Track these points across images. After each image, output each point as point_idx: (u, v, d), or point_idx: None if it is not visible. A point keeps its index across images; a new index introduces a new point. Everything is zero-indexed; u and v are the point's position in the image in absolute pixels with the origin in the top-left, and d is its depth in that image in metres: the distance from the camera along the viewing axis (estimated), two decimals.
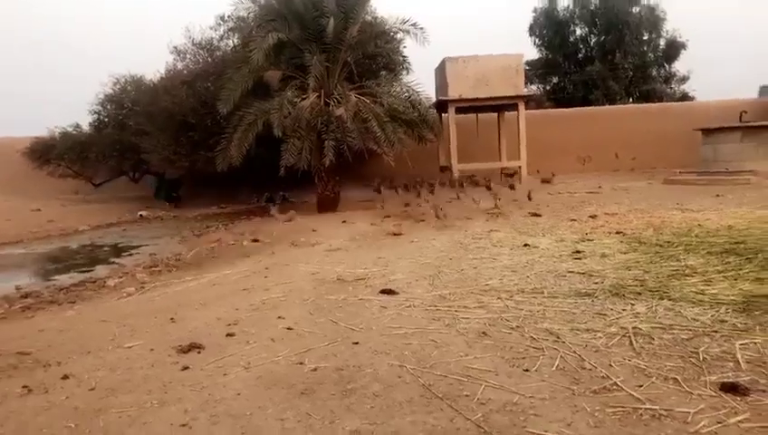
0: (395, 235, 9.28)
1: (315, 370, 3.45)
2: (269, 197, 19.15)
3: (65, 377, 3.54)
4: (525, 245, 7.42)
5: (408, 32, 15.65)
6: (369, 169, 18.31)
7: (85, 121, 22.43)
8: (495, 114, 20.19)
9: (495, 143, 20.16)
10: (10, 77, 53.37)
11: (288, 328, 4.35)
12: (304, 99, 13.76)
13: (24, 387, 3.42)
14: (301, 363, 3.57)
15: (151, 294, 6.34)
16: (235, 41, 18.55)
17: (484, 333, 3.97)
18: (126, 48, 48.47)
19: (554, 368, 3.28)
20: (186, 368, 3.60)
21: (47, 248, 11.93)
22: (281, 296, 5.46)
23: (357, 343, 3.89)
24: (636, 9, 29.48)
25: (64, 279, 8.22)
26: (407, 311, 4.65)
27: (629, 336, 3.69)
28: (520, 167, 18.14)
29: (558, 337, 3.78)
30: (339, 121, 13.34)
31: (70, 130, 22.09)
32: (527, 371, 3.27)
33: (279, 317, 4.68)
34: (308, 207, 15.54)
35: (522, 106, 18.33)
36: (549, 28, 30.95)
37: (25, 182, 21.92)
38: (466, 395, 2.99)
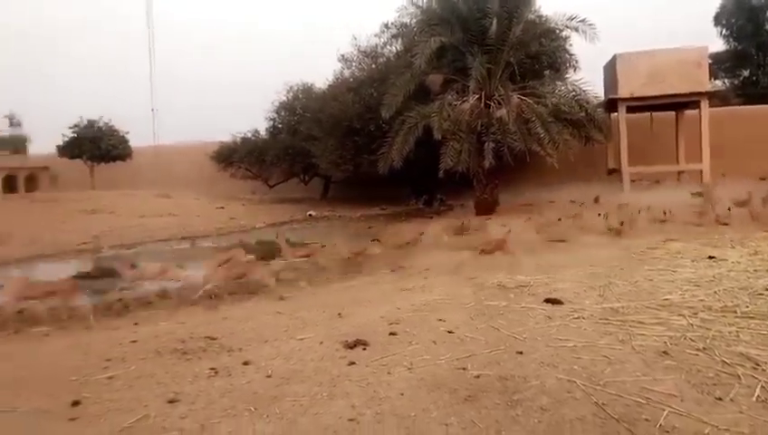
0: (559, 241, 8.87)
1: (478, 377, 3.37)
2: (427, 199, 19.37)
3: (246, 363, 3.84)
4: (710, 257, 6.67)
5: (576, 29, 14.97)
6: (528, 172, 17.71)
7: (263, 127, 24.61)
8: (673, 113, 18.53)
9: (672, 144, 18.49)
10: (208, 90, 60.65)
11: (449, 331, 4.32)
12: (464, 101, 13.73)
13: (211, 369, 3.77)
14: (463, 369, 3.52)
15: (320, 290, 6.69)
16: (398, 47, 19.11)
17: (664, 352, 3.60)
18: (299, 57, 52.44)
19: (754, 399, 2.88)
20: (352, 363, 3.72)
21: (229, 242, 13.16)
22: (441, 299, 5.46)
23: (521, 353, 3.74)
24: None
25: None
26: (574, 323, 4.39)
27: None
28: (701, 170, 16.44)
29: (757, 364, 3.32)
30: (499, 123, 13.13)
31: (249, 135, 24.35)
32: (720, 399, 2.90)
33: (439, 320, 4.67)
34: (465, 210, 15.46)
35: (704, 103, 16.62)
36: (739, 16, 27.73)
37: (212, 183, 24.55)
38: (646, 420, 2.73)
